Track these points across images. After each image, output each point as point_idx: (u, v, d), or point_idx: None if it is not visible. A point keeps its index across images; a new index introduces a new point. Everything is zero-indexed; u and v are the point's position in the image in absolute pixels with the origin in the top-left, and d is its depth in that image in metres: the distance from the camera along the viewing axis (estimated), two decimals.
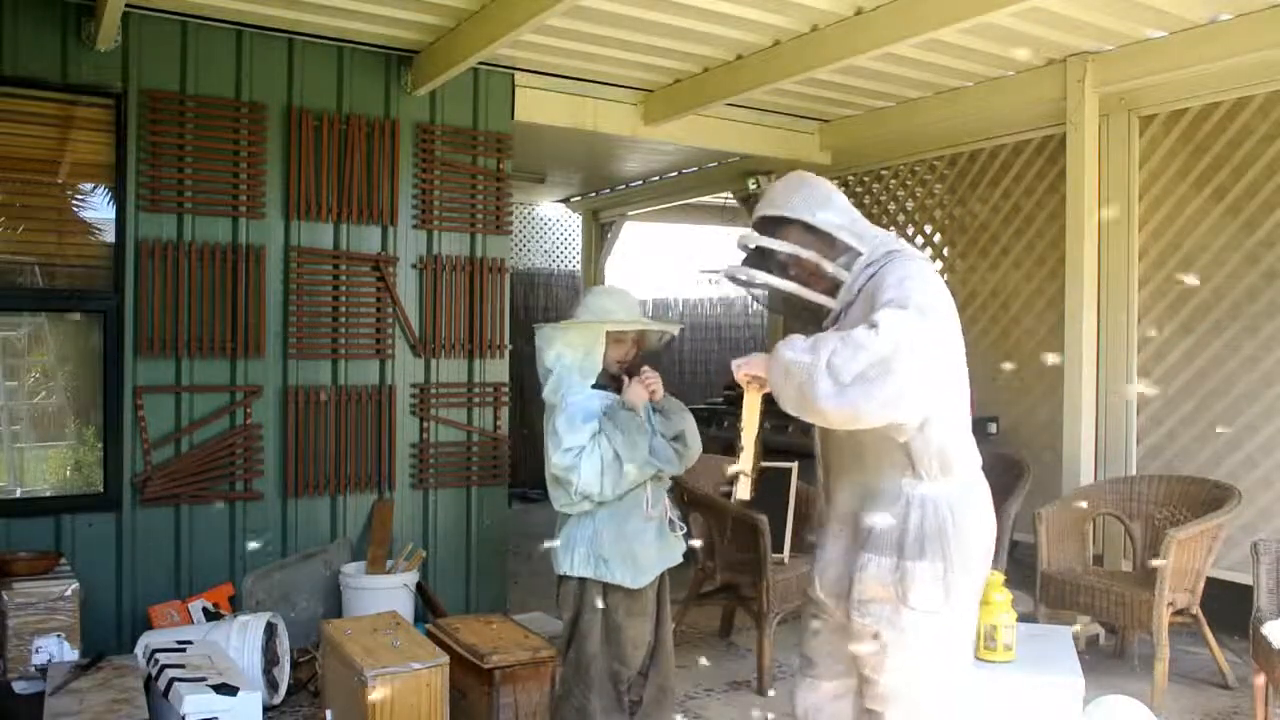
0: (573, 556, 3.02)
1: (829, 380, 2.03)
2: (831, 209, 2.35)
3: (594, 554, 2.99)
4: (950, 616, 2.27)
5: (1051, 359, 4.87)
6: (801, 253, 2.31)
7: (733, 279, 2.41)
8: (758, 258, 2.37)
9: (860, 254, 2.30)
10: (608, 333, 3.03)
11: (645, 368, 3.09)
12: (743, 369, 2.29)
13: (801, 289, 2.34)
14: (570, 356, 3.01)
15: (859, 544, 2.32)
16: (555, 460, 2.92)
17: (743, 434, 2.31)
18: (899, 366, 2.02)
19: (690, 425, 3.15)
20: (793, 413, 2.14)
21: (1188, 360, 4.85)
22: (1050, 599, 4.32)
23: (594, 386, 3.02)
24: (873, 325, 2.06)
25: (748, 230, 2.41)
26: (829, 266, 2.32)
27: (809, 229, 2.32)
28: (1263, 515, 4.52)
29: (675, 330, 3.23)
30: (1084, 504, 4.52)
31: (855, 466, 2.35)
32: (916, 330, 2.05)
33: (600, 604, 3.01)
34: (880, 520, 2.27)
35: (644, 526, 3.02)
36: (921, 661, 2.29)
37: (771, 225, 2.36)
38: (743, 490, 2.34)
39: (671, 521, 3.13)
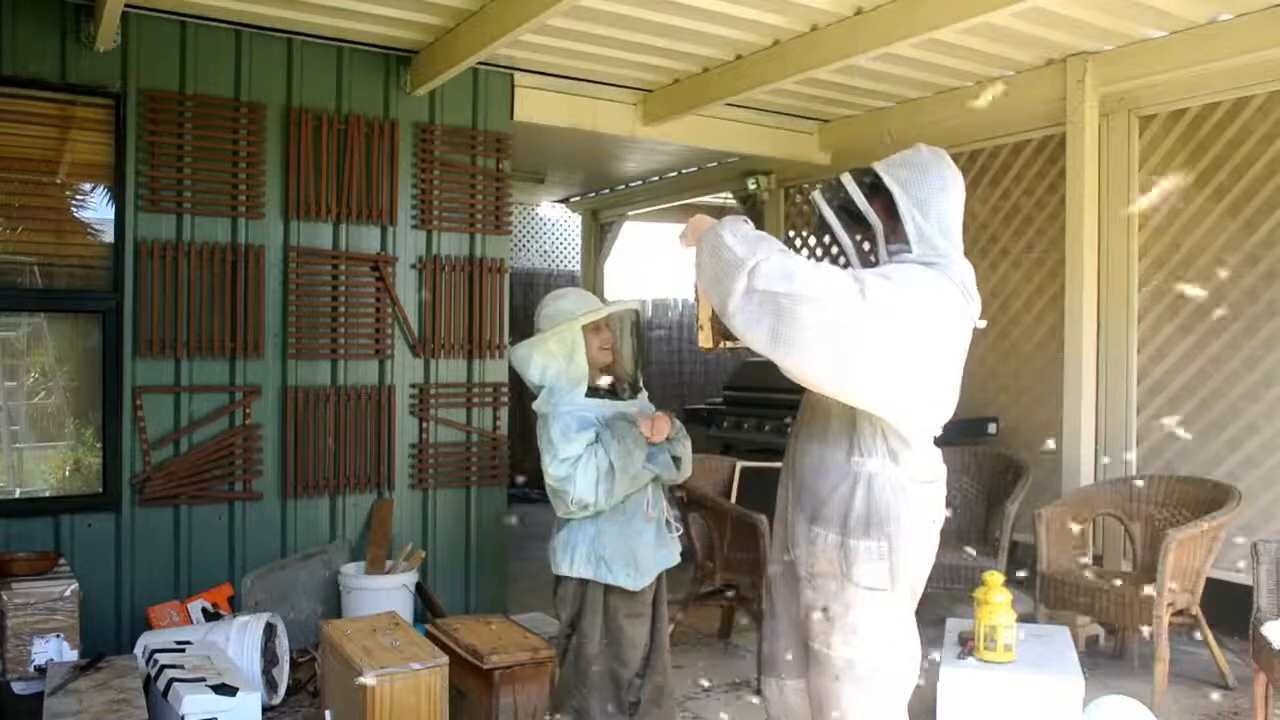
0: (572, 557, 3.01)
1: (746, 280, 2.01)
2: (924, 201, 2.32)
3: (595, 555, 2.98)
4: (894, 595, 2.30)
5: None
6: (870, 216, 2.34)
7: (814, 199, 2.46)
8: (839, 198, 2.40)
9: (908, 252, 2.30)
10: (582, 328, 3.02)
11: (659, 413, 3.05)
12: (685, 235, 2.28)
13: (850, 244, 2.37)
14: (555, 366, 3.01)
15: (809, 517, 2.36)
16: (551, 471, 2.91)
17: (698, 288, 2.32)
18: (804, 316, 1.98)
19: (687, 452, 3.13)
20: (704, 288, 2.14)
21: (1188, 360, 4.85)
22: (1050, 599, 4.32)
23: (588, 394, 3.00)
24: (820, 267, 2.05)
25: (851, 172, 2.43)
26: (879, 243, 2.34)
27: (892, 204, 2.33)
28: (1263, 515, 4.52)
29: (636, 305, 3.23)
30: (1076, 528, 4.51)
31: (820, 438, 2.37)
32: (848, 303, 2.02)
33: (601, 605, 3.01)
34: (829, 494, 2.31)
35: (644, 527, 3.01)
36: (867, 636, 2.31)
37: (870, 178, 2.38)
38: (703, 340, 2.41)
39: (669, 522, 3.13)
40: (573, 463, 2.88)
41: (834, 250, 2.39)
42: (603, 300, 3.21)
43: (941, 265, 2.26)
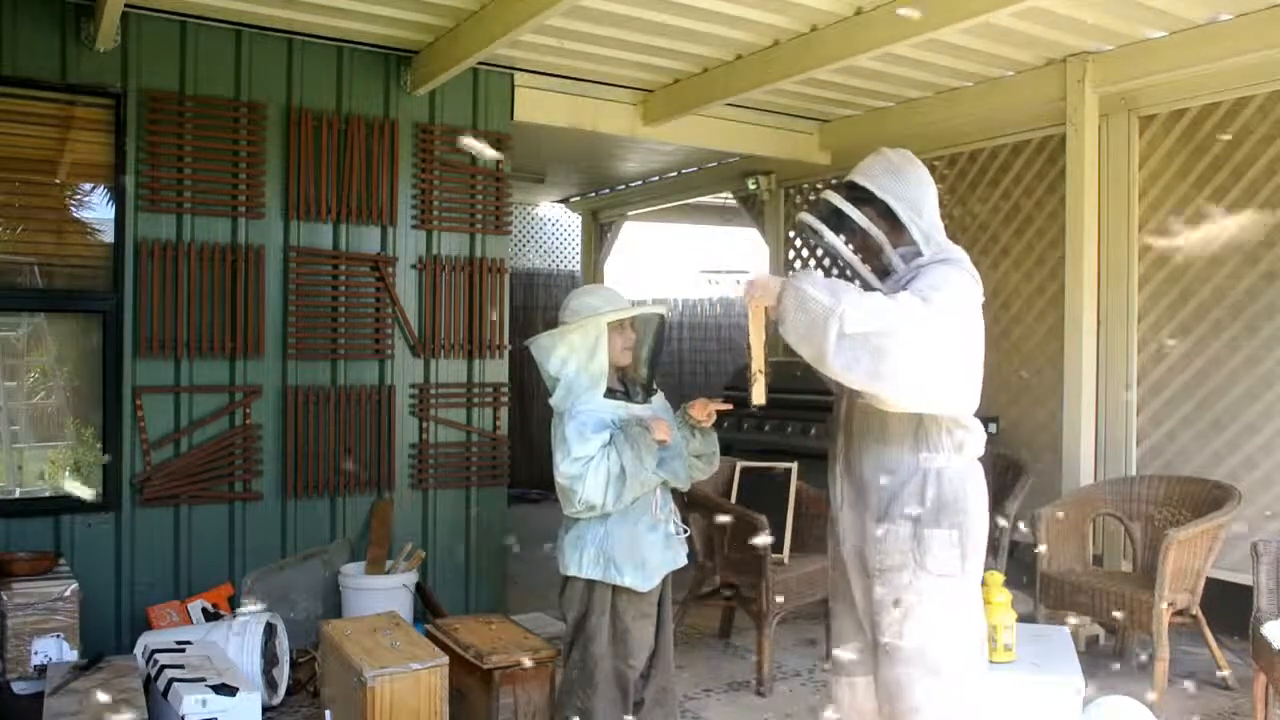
0: (581, 557, 3.00)
1: (837, 326, 2.11)
2: (917, 202, 2.44)
3: (604, 556, 2.97)
4: (964, 580, 2.42)
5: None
6: (871, 229, 2.42)
7: (803, 225, 2.51)
8: (833, 216, 2.46)
9: (921, 254, 2.41)
10: (607, 326, 3.01)
11: (702, 399, 3.06)
12: (753, 296, 2.33)
13: (856, 260, 2.47)
14: (575, 361, 2.99)
15: (877, 514, 2.44)
16: (563, 469, 2.88)
17: (751, 343, 2.38)
18: (895, 349, 2.11)
19: (716, 448, 3.15)
20: (793, 342, 2.22)
21: (1188, 360, 4.85)
22: (1050, 599, 4.32)
23: (606, 394, 2.99)
24: (894, 297, 2.17)
25: (832, 190, 2.50)
26: (890, 252, 2.43)
27: (888, 211, 2.42)
28: (1263, 515, 4.52)
29: (663, 310, 3.20)
30: (1061, 514, 4.51)
31: (878, 438, 2.45)
32: (928, 325, 2.14)
33: (609, 606, 3.00)
34: (898, 489, 2.40)
35: (652, 529, 3.01)
36: (939, 624, 2.40)
37: (857, 192, 2.46)
38: (758, 395, 2.40)
39: (676, 524, 3.12)
40: (585, 463, 2.86)
41: (834, 269, 2.44)
42: (631, 301, 3.16)
43: (955, 258, 2.39)
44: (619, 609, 3.00)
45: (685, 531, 3.16)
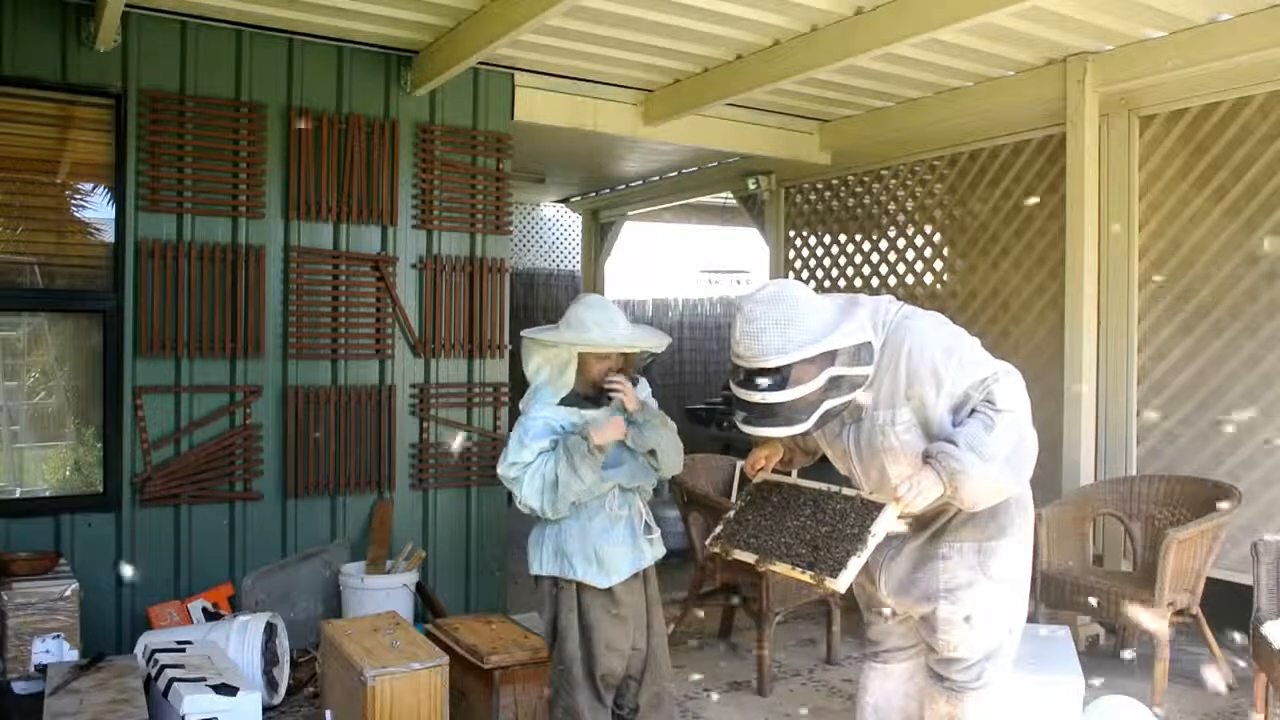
0: (541, 555, 3.03)
1: (1002, 463, 2.26)
2: (823, 322, 2.30)
3: (559, 551, 3.00)
4: (1024, 583, 2.52)
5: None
6: (818, 382, 2.27)
7: (774, 439, 2.57)
8: (791, 412, 2.29)
9: (868, 340, 2.34)
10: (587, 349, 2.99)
11: (613, 376, 2.97)
12: (920, 501, 2.27)
13: (834, 402, 2.33)
14: (546, 371, 3.01)
15: (937, 536, 2.48)
16: (499, 471, 2.97)
17: (876, 535, 2.34)
18: (1025, 418, 2.31)
19: (664, 441, 3.04)
20: (985, 503, 2.36)
21: (1188, 360, 4.85)
22: (1050, 599, 4.32)
23: (564, 402, 2.99)
24: (994, 406, 2.28)
25: (758, 395, 2.28)
26: (849, 370, 2.31)
27: (815, 356, 2.27)
28: (1263, 515, 4.52)
29: (659, 349, 3.08)
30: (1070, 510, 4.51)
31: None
32: (1015, 382, 2.33)
33: (575, 604, 3.01)
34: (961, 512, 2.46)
35: (609, 525, 2.99)
36: (996, 630, 2.49)
37: (778, 375, 2.27)
38: (844, 581, 2.31)
39: (647, 525, 3.10)
40: (522, 468, 2.90)
41: (849, 400, 2.39)
42: (623, 333, 3.01)
43: (900, 311, 2.45)
44: (584, 607, 3.01)
45: (656, 531, 3.14)
